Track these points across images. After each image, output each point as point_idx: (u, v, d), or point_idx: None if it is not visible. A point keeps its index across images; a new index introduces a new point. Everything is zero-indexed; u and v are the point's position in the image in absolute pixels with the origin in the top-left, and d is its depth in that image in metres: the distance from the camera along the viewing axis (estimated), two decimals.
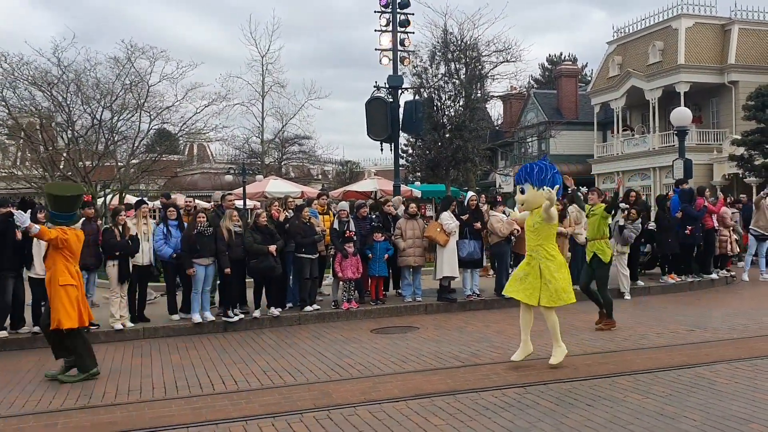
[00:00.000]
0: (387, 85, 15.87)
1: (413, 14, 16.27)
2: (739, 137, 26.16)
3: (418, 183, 26.72)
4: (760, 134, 24.22)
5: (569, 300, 7.27)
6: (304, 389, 6.77)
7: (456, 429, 5.38)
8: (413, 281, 11.89)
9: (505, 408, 5.86)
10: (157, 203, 16.24)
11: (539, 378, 6.83)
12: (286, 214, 11.49)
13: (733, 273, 14.87)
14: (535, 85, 55.36)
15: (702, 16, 35.63)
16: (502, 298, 11.89)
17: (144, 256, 10.35)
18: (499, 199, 13.10)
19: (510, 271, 11.85)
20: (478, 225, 11.77)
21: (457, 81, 19.14)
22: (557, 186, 7.31)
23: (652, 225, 13.74)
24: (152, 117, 24.49)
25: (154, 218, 11.97)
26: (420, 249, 11.72)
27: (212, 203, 14.52)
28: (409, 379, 7.06)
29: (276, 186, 24.15)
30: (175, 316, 10.67)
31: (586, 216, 9.94)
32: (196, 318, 10.21)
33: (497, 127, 34.24)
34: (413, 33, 16.43)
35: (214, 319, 10.37)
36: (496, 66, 21.92)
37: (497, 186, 26.25)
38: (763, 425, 5.18)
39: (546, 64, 62.11)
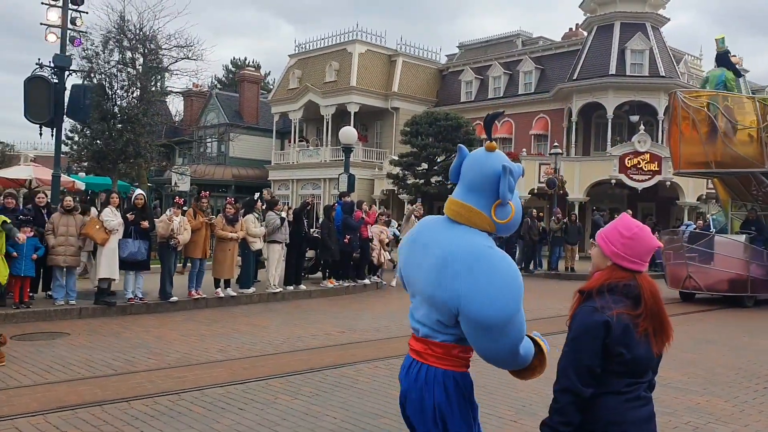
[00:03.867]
0: (52, 65, 14.37)
1: None
2: (397, 158, 29.27)
3: (82, 174, 24.70)
4: (413, 157, 27.40)
5: None
6: None
7: None
8: (66, 282, 10.91)
9: (155, 417, 5.69)
10: None
11: (195, 384, 6.77)
12: None
13: (383, 279, 16.55)
14: (219, 86, 55.13)
15: (373, 45, 39.13)
16: (166, 302, 11.64)
17: None
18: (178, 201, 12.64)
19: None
20: (146, 224, 11.28)
21: (132, 71, 18.14)
22: None
23: (316, 232, 14.66)
24: None
25: None
26: (74, 248, 10.78)
27: None
28: (51, 390, 6.44)
29: None
30: None
31: None
32: None
33: (176, 124, 33.26)
34: (86, 13, 15.18)
35: None
36: (176, 61, 21.35)
37: (173, 184, 25.44)
38: (392, 419, 5.83)
39: (230, 66, 62.32)
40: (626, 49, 31.21)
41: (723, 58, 16.22)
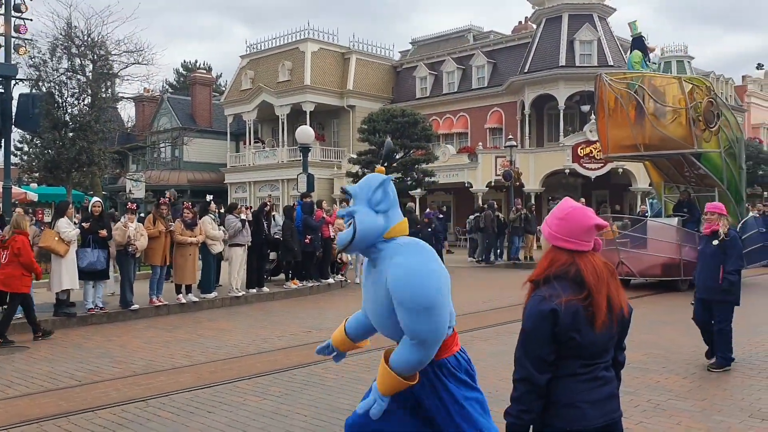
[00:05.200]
0: None
1: None
2: (355, 156, 29.28)
3: (34, 185, 24.11)
4: (371, 155, 27.45)
5: None
6: None
7: None
8: None
9: (123, 425, 5.65)
10: None
11: (161, 390, 6.73)
12: None
13: (347, 278, 16.60)
14: (170, 90, 54.34)
15: (325, 43, 39.02)
16: (127, 310, 11.49)
17: None
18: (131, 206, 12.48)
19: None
20: (104, 233, 11.11)
21: (82, 78, 17.78)
22: None
23: (277, 234, 14.61)
24: None
25: None
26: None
27: None
28: (13, 405, 6.33)
29: None
30: None
31: None
32: None
33: (128, 130, 32.68)
34: (31, 20, 14.82)
35: None
36: (127, 66, 20.99)
37: (128, 191, 25.03)
38: None
39: (181, 69, 61.50)
40: (575, 41, 31.76)
41: (637, 42, 16.36)
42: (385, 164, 3.91)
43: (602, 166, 27.82)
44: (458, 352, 3.54)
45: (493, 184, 29.83)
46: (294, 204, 15.76)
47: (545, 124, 34.54)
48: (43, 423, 5.71)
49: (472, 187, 30.47)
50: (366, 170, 27.53)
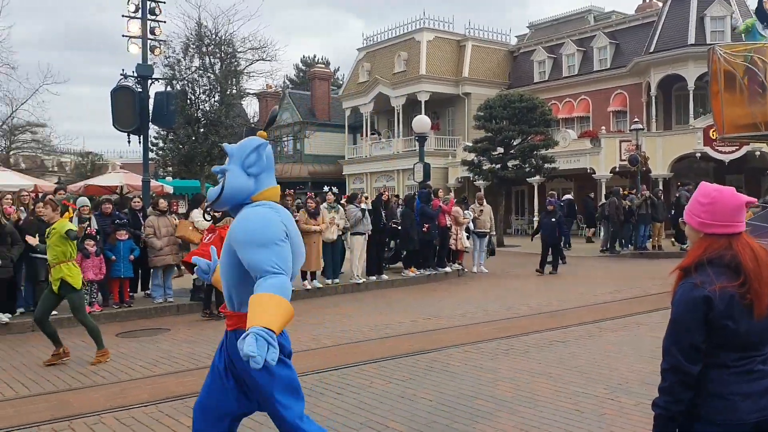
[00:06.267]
0: (135, 74, 15.04)
1: (164, 2, 15.63)
2: (471, 144, 29.06)
3: (169, 178, 25.73)
4: (488, 142, 27.12)
5: None
6: (41, 400, 6.23)
7: None
8: (164, 281, 11.46)
9: None
10: None
11: None
12: (18, 215, 10.38)
13: (464, 266, 16.57)
14: (291, 85, 56.14)
15: (441, 31, 38.90)
16: None
17: None
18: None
19: None
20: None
21: (212, 75, 18.74)
22: None
23: (396, 223, 14.80)
24: None
25: None
26: (175, 247, 11.34)
27: None
28: (159, 382, 6.83)
29: (3, 178, 21.56)
30: None
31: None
32: None
33: (253, 125, 34.16)
34: (164, 22, 15.79)
35: None
36: (251, 63, 21.90)
37: None
38: (486, 400, 5.89)
39: (300, 65, 63.33)
40: (705, 17, 29.89)
41: (760, 8, 14.50)
42: (267, 130, 4.03)
43: (737, 149, 26.07)
44: None
45: (617, 169, 28.66)
46: (414, 194, 15.89)
47: (673, 106, 32.75)
48: (186, 400, 6.11)
49: (594, 173, 29.43)
50: (482, 158, 27.31)
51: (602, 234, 22.23)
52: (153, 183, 18.99)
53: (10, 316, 9.78)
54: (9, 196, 10.80)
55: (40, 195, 13.85)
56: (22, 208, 10.91)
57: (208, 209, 14.65)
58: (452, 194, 25.64)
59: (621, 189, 22.47)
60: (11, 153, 38.01)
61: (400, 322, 9.90)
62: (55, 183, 22.65)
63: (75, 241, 7.79)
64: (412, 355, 7.69)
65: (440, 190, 16.86)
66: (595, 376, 6.58)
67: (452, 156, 35.90)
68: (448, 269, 15.80)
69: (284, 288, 2.93)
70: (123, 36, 15.21)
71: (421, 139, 18.73)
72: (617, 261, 19.59)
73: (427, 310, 11.00)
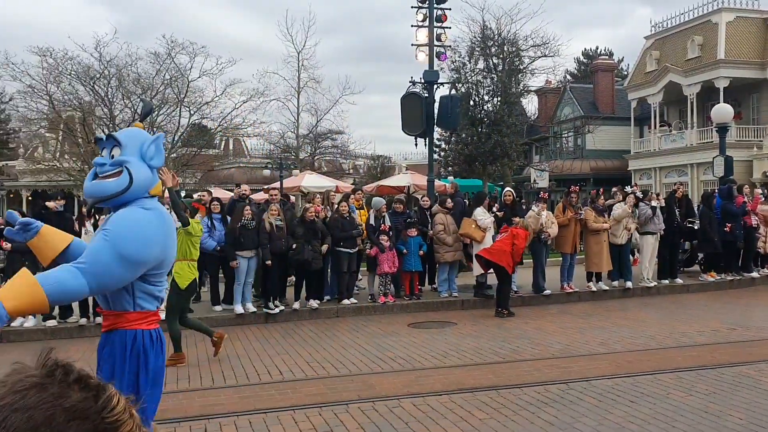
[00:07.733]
0: (422, 80, 15.88)
1: (450, 9, 16.25)
2: None
3: (451, 178, 26.75)
4: None
5: None
6: (348, 380, 6.90)
7: (500, 423, 5.46)
8: (449, 277, 11.95)
9: (548, 403, 5.91)
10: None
11: (581, 375, 6.85)
12: (326, 213, 11.65)
13: None
14: (571, 80, 54.76)
15: (743, 10, 34.88)
16: (540, 295, 11.98)
17: None
18: (544, 195, 12.98)
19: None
20: (517, 220, 11.75)
21: (495, 76, 19.06)
22: None
23: (692, 223, 13.61)
24: (192, 112, 24.85)
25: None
26: (460, 243, 11.79)
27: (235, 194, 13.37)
28: (449, 373, 7.14)
29: (311, 180, 24.29)
30: (218, 308, 10.90)
31: None
32: (239, 309, 10.43)
33: (532, 122, 34.02)
34: (449, 28, 16.42)
35: (255, 310, 10.58)
36: (534, 60, 21.80)
37: (532, 181, 26.11)
38: None
39: (581, 58, 61.45)
40: None
41: None
42: (142, 121, 3.97)
43: None
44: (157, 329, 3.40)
45: None
46: (713, 191, 14.48)
47: None
48: (477, 393, 6.31)
49: None
50: None
51: None
52: (437, 182, 19.90)
53: (319, 302, 10.99)
54: (318, 196, 12.14)
55: (342, 195, 15.29)
56: (328, 207, 12.16)
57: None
58: (759, 190, 22.87)
59: None
60: (315, 158, 42.70)
61: (699, 331, 9.10)
62: (352, 184, 24.93)
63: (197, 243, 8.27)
64: (715, 368, 7.02)
65: (745, 186, 15.09)
66: None
67: (758, 148, 31.99)
68: (755, 274, 14.11)
69: (61, 283, 2.88)
70: (412, 45, 16.20)
71: (722, 129, 16.97)
72: None
73: (731, 319, 9.95)
